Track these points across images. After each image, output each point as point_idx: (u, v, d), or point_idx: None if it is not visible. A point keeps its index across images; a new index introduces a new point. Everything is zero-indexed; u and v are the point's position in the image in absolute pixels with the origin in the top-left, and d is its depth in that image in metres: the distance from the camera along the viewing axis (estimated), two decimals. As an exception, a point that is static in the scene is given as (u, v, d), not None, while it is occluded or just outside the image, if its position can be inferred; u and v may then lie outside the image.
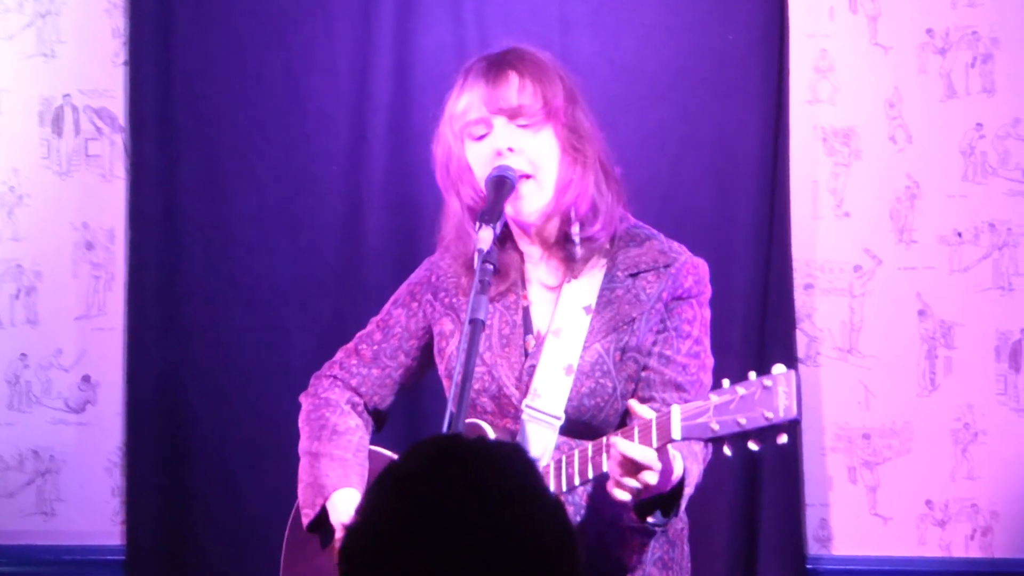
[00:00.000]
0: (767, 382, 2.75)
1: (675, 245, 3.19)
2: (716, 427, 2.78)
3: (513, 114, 3.10)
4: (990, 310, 4.46)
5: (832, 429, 4.48)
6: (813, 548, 4.49)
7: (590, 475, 2.97)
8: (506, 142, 3.09)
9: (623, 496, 2.86)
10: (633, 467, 2.82)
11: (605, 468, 2.92)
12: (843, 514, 4.50)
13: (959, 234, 4.47)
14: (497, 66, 3.14)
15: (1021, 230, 4.45)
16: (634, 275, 3.14)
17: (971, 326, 4.46)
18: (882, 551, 4.48)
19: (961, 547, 4.48)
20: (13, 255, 4.64)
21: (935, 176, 4.46)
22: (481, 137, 3.12)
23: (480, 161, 3.12)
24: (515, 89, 3.11)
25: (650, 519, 2.96)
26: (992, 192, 4.46)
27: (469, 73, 3.16)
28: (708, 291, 3.20)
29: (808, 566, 4.45)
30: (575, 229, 3.14)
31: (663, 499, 2.95)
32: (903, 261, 4.47)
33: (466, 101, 3.13)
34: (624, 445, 2.82)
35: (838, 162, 4.49)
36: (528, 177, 3.10)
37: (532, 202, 3.12)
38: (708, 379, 3.15)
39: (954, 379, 4.47)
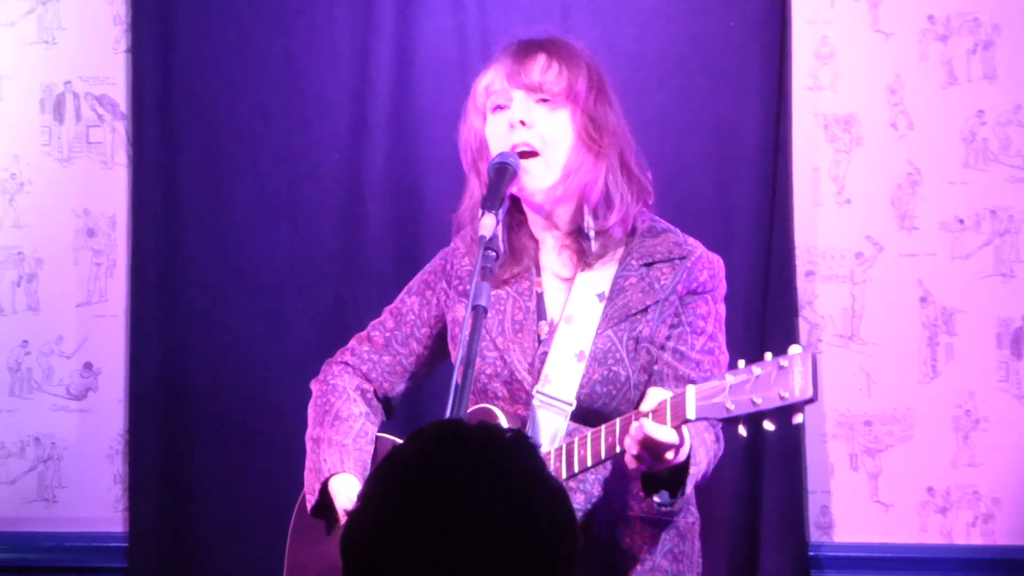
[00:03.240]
0: (783, 362, 2.75)
1: (691, 240, 3.20)
2: (731, 407, 2.79)
3: (533, 89, 3.12)
4: (991, 297, 4.46)
5: (833, 416, 4.48)
6: (815, 535, 4.49)
7: (603, 456, 2.97)
8: (519, 115, 3.12)
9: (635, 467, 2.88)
10: (654, 447, 2.83)
11: (618, 450, 2.93)
12: (844, 501, 4.49)
13: (960, 221, 4.46)
14: (527, 46, 3.18)
15: (1022, 217, 4.45)
16: (648, 265, 3.14)
17: (972, 313, 4.46)
18: (883, 538, 4.48)
19: (963, 534, 4.47)
20: (14, 242, 4.64)
21: (936, 163, 4.46)
22: (499, 108, 3.15)
23: (496, 135, 3.14)
24: (540, 67, 3.14)
25: (656, 498, 2.96)
26: (993, 179, 4.45)
27: (500, 52, 3.21)
28: (723, 287, 3.20)
29: (810, 553, 4.45)
30: (588, 220, 3.14)
31: (669, 477, 2.96)
32: (904, 248, 4.47)
33: (490, 76, 3.18)
34: (649, 427, 2.82)
35: (839, 149, 4.48)
36: (536, 155, 3.11)
37: (537, 180, 3.12)
38: (722, 375, 3.15)
39: (955, 366, 4.47)
